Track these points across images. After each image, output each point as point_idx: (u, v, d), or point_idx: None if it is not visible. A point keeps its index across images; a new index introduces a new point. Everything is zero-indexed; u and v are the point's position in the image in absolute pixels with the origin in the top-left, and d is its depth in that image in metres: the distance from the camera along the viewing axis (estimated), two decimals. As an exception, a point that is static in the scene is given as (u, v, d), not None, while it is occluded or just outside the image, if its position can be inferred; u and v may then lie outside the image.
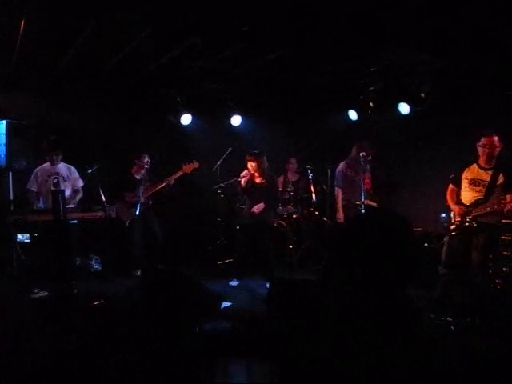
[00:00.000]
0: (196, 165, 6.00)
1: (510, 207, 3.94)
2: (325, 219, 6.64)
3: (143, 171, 5.95)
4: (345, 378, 1.21)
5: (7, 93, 5.57)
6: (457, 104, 5.75)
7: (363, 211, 5.06)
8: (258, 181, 5.46)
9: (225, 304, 4.55)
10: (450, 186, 4.44)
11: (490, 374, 2.98)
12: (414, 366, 1.17)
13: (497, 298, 4.65)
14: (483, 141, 4.10)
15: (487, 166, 4.17)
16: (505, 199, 3.99)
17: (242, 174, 5.46)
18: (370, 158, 5.42)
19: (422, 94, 5.90)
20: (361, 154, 5.24)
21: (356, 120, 6.83)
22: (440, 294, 4.39)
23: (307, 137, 7.35)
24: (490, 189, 4.10)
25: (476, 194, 4.18)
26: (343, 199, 5.56)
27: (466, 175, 4.27)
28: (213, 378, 3.05)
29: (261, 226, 5.42)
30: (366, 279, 1.29)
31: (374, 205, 5.53)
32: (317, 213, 6.79)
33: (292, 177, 7.04)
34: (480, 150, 4.15)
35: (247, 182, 5.42)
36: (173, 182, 5.92)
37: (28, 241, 5.25)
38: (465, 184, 4.27)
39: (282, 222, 6.49)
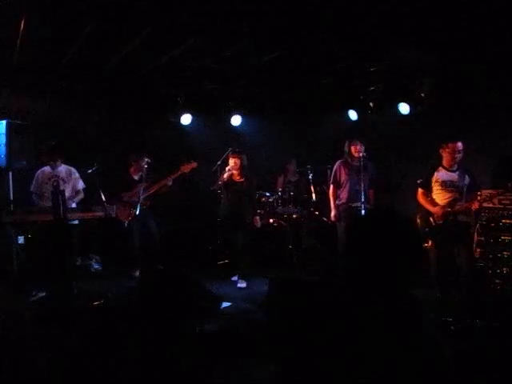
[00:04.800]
0: (194, 164, 5.98)
1: (480, 202, 4.16)
2: (325, 219, 6.64)
3: (141, 172, 5.92)
4: (346, 378, 1.21)
5: (7, 93, 5.57)
6: (457, 104, 5.74)
7: (363, 211, 5.05)
8: (237, 179, 5.62)
9: (225, 304, 4.55)
10: (420, 190, 4.59)
11: (489, 374, 2.98)
12: (417, 366, 1.17)
13: (497, 298, 4.66)
14: (450, 146, 4.36)
15: (453, 169, 4.41)
16: (481, 195, 4.21)
17: (227, 168, 5.58)
18: (363, 154, 5.23)
19: (422, 94, 5.89)
20: (361, 154, 5.21)
21: (356, 120, 6.82)
22: (439, 295, 4.41)
23: (307, 137, 7.34)
24: (461, 188, 4.35)
25: (450, 195, 4.38)
26: (337, 199, 5.44)
27: (437, 178, 4.46)
28: (213, 377, 3.05)
29: (239, 221, 5.56)
30: (372, 279, 1.29)
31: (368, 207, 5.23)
32: (317, 213, 6.78)
33: (292, 177, 7.04)
34: (445, 154, 4.40)
35: (228, 177, 5.57)
36: (171, 182, 5.90)
37: (22, 242, 5.24)
38: (436, 187, 4.46)
39: (282, 222, 6.49)
